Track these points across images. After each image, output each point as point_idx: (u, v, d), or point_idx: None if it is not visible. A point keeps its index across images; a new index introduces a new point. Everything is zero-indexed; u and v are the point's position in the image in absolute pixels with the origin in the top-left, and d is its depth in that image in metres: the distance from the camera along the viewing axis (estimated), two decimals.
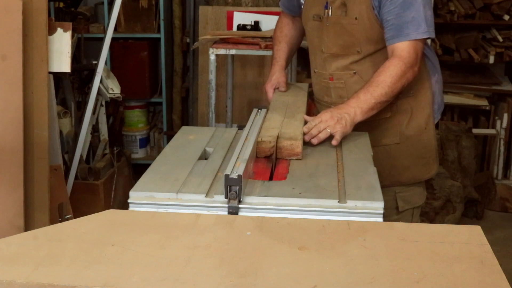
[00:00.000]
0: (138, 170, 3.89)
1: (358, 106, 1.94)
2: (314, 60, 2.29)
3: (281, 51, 2.43)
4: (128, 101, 4.41)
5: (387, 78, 1.97)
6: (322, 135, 1.87)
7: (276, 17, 2.56)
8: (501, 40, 4.40)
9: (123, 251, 1.20)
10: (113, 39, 3.27)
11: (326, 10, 2.14)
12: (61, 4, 3.88)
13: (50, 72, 2.86)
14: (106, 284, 1.08)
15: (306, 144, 1.85)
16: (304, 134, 1.87)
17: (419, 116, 2.19)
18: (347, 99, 2.13)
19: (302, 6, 2.30)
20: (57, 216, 2.89)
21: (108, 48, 3.19)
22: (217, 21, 4.17)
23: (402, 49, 2.00)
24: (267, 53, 3.23)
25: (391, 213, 2.19)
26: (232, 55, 3.73)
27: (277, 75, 2.38)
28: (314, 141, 1.87)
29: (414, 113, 2.18)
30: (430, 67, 2.22)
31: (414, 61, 2.01)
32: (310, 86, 2.44)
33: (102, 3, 4.40)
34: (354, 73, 2.15)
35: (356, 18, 2.07)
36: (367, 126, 2.11)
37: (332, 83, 2.21)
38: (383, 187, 1.57)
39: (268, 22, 3.57)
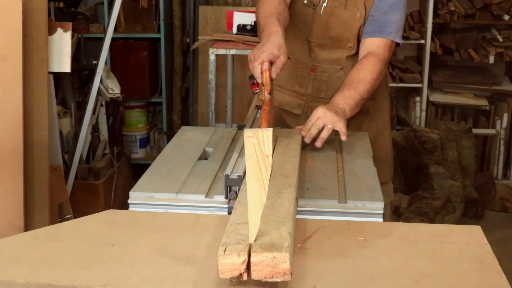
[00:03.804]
0: (138, 170, 3.88)
1: (346, 103, 1.86)
2: (291, 46, 2.04)
3: (277, 21, 1.85)
4: (128, 101, 4.41)
5: (367, 74, 1.93)
6: (324, 134, 1.76)
7: None
8: (501, 40, 4.40)
9: (123, 251, 1.20)
10: (113, 39, 3.27)
11: None
12: (61, 4, 3.88)
13: (50, 72, 2.86)
14: (106, 284, 1.08)
15: (307, 145, 1.78)
16: (303, 137, 1.76)
17: (377, 119, 2.19)
18: (324, 93, 2.11)
19: None
20: (57, 216, 2.89)
21: (108, 48, 3.19)
22: (217, 21, 4.17)
23: (379, 46, 2.00)
24: None
25: None
26: (232, 55, 3.73)
27: (274, 42, 1.73)
28: (318, 144, 1.75)
29: (372, 114, 2.16)
30: (386, 74, 2.22)
31: (387, 60, 2.02)
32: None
33: (102, 3, 4.40)
34: (341, 68, 2.09)
35: (359, 14, 2.04)
36: None
37: (314, 74, 2.12)
38: None
39: None
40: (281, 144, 1.68)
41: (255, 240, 1.09)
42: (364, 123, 2.15)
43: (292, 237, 1.13)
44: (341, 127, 1.76)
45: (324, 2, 2.07)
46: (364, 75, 1.93)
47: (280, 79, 2.14)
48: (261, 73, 1.67)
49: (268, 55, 1.68)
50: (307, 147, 1.79)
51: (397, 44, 2.06)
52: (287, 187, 1.34)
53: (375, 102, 2.16)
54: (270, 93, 1.63)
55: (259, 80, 1.69)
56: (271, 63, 1.69)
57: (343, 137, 1.76)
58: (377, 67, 1.96)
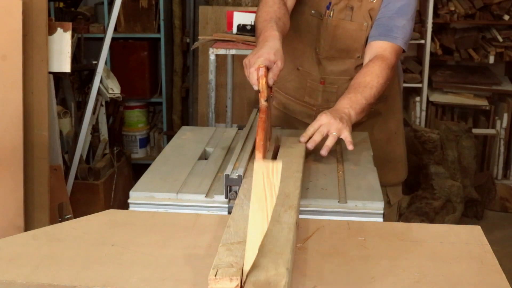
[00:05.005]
0: (138, 170, 3.88)
1: (352, 107, 1.77)
2: (299, 57, 2.08)
3: (275, 25, 1.78)
4: (128, 101, 4.41)
5: (374, 78, 1.86)
6: (330, 142, 1.66)
7: None
8: (501, 40, 4.40)
9: (123, 251, 1.20)
10: (113, 39, 3.27)
11: (328, 11, 2.03)
12: (61, 4, 3.88)
13: (50, 72, 2.86)
14: (106, 284, 1.07)
15: (309, 154, 1.71)
16: (305, 143, 1.69)
17: (390, 120, 2.17)
18: (334, 103, 1.98)
19: None
20: (57, 216, 2.89)
21: (108, 48, 3.19)
22: (217, 21, 4.17)
23: (385, 49, 1.95)
24: None
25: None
26: (232, 55, 3.73)
27: (270, 46, 1.65)
28: (323, 152, 1.66)
29: (384, 116, 2.15)
30: (400, 73, 2.21)
31: (394, 65, 1.99)
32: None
33: (102, 3, 4.40)
34: (350, 79, 2.01)
35: (366, 24, 2.01)
36: None
37: (323, 87, 2.10)
38: None
39: None
40: (282, 156, 1.58)
41: (249, 273, 0.99)
42: (376, 125, 2.14)
43: (290, 272, 1.04)
44: (346, 135, 1.67)
45: (330, 15, 2.03)
46: (371, 79, 1.85)
47: (290, 89, 2.13)
48: (257, 79, 1.61)
49: (264, 61, 1.61)
50: (309, 155, 1.71)
51: (403, 51, 2.02)
52: (287, 209, 1.23)
53: (387, 103, 2.14)
54: (267, 100, 1.57)
55: (255, 88, 1.62)
56: (268, 69, 1.61)
57: (350, 147, 1.67)
58: (384, 71, 1.88)
